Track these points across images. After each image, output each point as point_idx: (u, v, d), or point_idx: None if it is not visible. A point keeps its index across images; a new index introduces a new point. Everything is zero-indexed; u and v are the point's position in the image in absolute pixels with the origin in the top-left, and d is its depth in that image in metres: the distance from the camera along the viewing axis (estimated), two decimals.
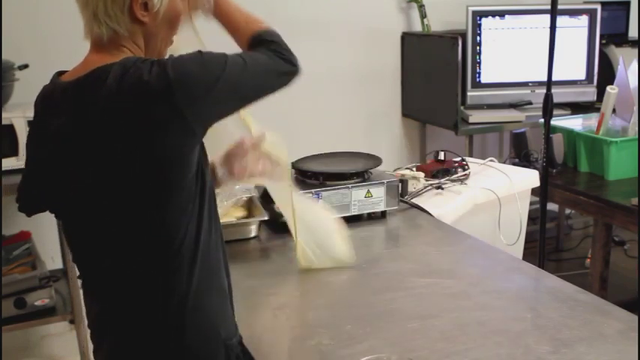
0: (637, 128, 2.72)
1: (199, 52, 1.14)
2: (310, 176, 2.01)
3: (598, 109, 2.88)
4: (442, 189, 2.22)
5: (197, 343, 1.19)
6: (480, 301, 1.52)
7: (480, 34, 3.37)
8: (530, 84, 3.43)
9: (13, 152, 2.37)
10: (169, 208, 1.12)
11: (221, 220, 1.86)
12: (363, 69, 3.54)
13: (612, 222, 2.61)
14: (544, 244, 2.51)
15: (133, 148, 1.07)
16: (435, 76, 3.33)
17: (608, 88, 2.75)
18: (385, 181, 2.02)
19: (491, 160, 2.46)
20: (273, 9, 2.92)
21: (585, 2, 3.65)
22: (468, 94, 3.39)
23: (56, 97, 1.15)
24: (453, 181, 2.25)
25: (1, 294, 2.36)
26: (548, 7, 2.31)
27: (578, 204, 2.70)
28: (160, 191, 1.11)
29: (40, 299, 2.47)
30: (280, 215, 1.92)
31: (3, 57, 2.49)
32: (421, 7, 3.50)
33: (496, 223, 2.21)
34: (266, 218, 1.93)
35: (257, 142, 1.46)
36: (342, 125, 3.53)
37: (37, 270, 2.51)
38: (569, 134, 2.88)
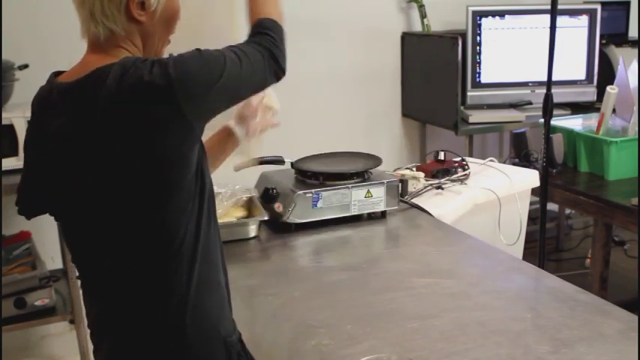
0: (637, 128, 2.72)
1: (198, 50, 1.14)
2: (310, 176, 2.01)
3: (598, 109, 2.88)
4: (442, 189, 2.22)
5: (197, 342, 1.19)
6: (479, 301, 1.52)
7: (479, 34, 3.37)
8: (530, 84, 3.43)
9: (13, 152, 2.37)
10: (169, 208, 1.12)
11: (221, 220, 1.88)
12: (363, 69, 3.54)
13: (612, 222, 2.61)
14: (544, 244, 2.51)
15: (133, 148, 1.07)
16: (435, 76, 3.33)
17: (608, 88, 2.75)
18: (385, 181, 2.02)
19: (491, 160, 2.46)
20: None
21: (585, 2, 3.65)
22: (468, 94, 3.39)
23: (54, 98, 1.15)
24: (453, 181, 2.25)
25: (1, 294, 2.36)
26: (548, 7, 2.31)
27: (578, 204, 2.70)
28: (160, 191, 1.11)
29: (40, 299, 2.47)
30: (280, 215, 1.92)
31: (3, 57, 2.49)
32: (421, 7, 3.50)
33: (496, 223, 2.21)
34: (266, 218, 1.93)
35: (262, 99, 1.57)
36: (342, 125, 3.53)
37: (37, 270, 2.51)
38: (569, 134, 2.88)
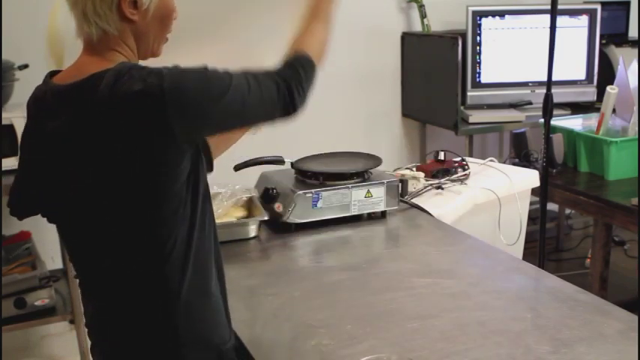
0: (637, 128, 2.72)
1: (205, 68, 1.12)
2: (310, 176, 2.01)
3: (598, 109, 2.88)
4: (442, 189, 2.22)
5: (190, 349, 1.19)
6: (479, 301, 1.52)
7: (479, 34, 3.37)
8: (530, 84, 3.43)
9: (13, 152, 2.37)
10: (161, 213, 1.12)
11: (221, 220, 1.88)
12: (363, 69, 3.54)
13: (612, 222, 2.61)
14: (544, 244, 2.51)
15: (133, 148, 1.06)
16: (435, 76, 3.33)
17: (608, 88, 2.75)
18: (385, 181, 2.02)
19: (491, 160, 2.46)
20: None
21: (585, 2, 3.65)
22: (468, 94, 3.39)
23: (49, 99, 1.15)
24: (453, 181, 2.25)
25: (1, 294, 2.36)
26: (548, 7, 2.31)
27: (578, 204, 2.70)
28: (153, 193, 1.11)
29: (40, 299, 2.47)
30: (280, 215, 1.92)
31: (3, 57, 2.49)
32: (421, 7, 3.50)
33: (496, 223, 2.21)
34: (266, 218, 1.93)
35: None
36: (342, 125, 3.53)
37: (37, 270, 2.51)
38: (569, 134, 2.88)
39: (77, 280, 1.27)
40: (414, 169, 2.32)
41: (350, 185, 1.98)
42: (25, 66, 2.55)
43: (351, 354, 1.29)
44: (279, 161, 2.06)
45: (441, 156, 2.35)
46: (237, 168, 1.94)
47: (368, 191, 2.00)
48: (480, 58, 3.39)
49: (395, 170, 2.24)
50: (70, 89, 1.11)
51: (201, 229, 1.19)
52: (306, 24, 1.36)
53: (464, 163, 2.33)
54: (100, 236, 1.16)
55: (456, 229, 1.99)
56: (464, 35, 3.29)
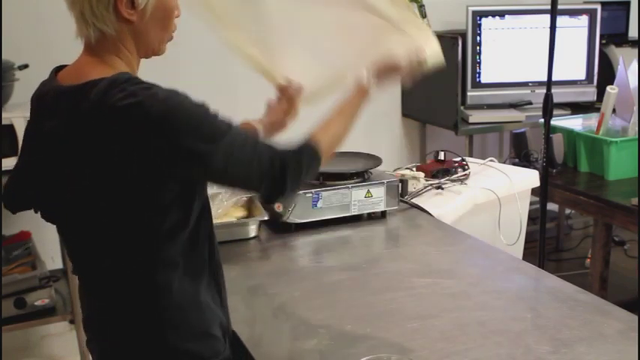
0: (637, 128, 2.72)
1: (203, 106, 1.09)
2: None
3: (598, 109, 2.88)
4: (442, 189, 2.22)
5: (179, 356, 1.19)
6: (479, 301, 1.52)
7: (479, 34, 3.37)
8: (530, 84, 3.43)
9: (13, 152, 2.36)
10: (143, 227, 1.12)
11: (221, 220, 1.88)
12: None
13: (612, 222, 2.61)
14: (544, 244, 2.51)
15: (130, 149, 1.06)
16: (435, 76, 3.30)
17: (608, 88, 2.75)
18: (385, 181, 2.02)
19: (491, 160, 2.46)
20: None
21: (585, 2, 3.65)
22: (468, 94, 3.38)
23: (48, 99, 1.15)
24: (453, 181, 2.25)
25: (1, 294, 2.36)
26: (548, 7, 2.31)
27: (578, 204, 2.70)
28: (150, 196, 1.10)
29: (40, 299, 2.47)
30: (280, 215, 1.92)
31: (3, 57, 2.49)
32: (421, 7, 3.49)
33: (496, 223, 2.21)
34: (266, 218, 1.93)
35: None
36: None
37: (37, 270, 2.51)
38: (569, 134, 2.88)
39: (77, 278, 1.27)
40: (414, 169, 2.32)
41: (350, 185, 1.98)
42: (25, 66, 2.55)
43: (351, 354, 1.29)
44: None
45: (441, 156, 2.35)
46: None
47: (368, 191, 2.00)
48: (479, 58, 3.39)
49: (395, 170, 2.24)
50: (66, 92, 1.11)
51: (192, 246, 1.18)
52: (334, 114, 1.32)
53: (464, 163, 2.33)
54: (97, 237, 1.16)
55: (456, 229, 1.99)
56: (464, 35, 3.29)
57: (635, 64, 2.85)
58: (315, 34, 1.49)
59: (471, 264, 1.78)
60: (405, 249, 1.91)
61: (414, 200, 2.16)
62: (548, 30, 2.33)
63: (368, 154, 2.16)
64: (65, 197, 1.15)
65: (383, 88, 1.39)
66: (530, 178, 2.40)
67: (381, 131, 3.66)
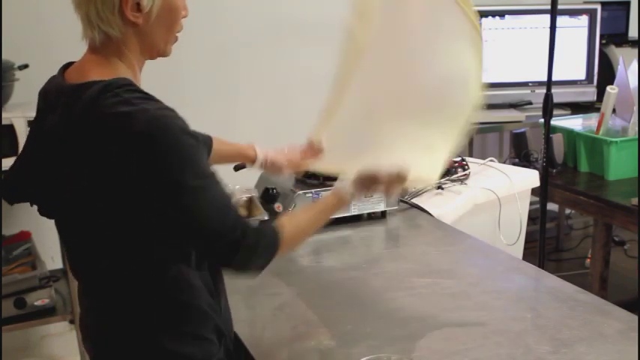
0: (637, 128, 2.72)
1: (197, 147, 1.07)
2: (310, 176, 2.01)
3: (598, 109, 2.88)
4: (442, 189, 2.22)
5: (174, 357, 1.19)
6: (479, 301, 1.52)
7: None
8: (530, 84, 3.43)
9: (13, 152, 2.36)
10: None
11: None
12: None
13: (612, 222, 2.62)
14: (544, 244, 2.51)
15: (128, 150, 1.06)
16: None
17: (608, 88, 2.75)
18: None
19: (491, 160, 2.46)
20: (280, 10, 2.93)
21: (585, 2, 3.65)
22: None
23: (52, 96, 1.15)
24: (453, 181, 2.25)
25: (1, 294, 2.36)
26: (548, 7, 2.32)
27: (578, 204, 2.70)
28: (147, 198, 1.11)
29: (40, 299, 2.47)
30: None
31: (3, 57, 2.49)
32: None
33: (496, 223, 2.21)
34: (266, 218, 1.93)
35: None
36: None
37: (37, 270, 2.51)
38: (569, 134, 2.88)
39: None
40: None
41: None
42: (25, 66, 2.55)
43: (351, 354, 1.29)
44: None
45: None
46: (237, 168, 1.94)
47: None
48: None
49: None
50: (66, 90, 1.11)
51: (186, 264, 1.17)
52: (309, 212, 1.32)
53: (464, 163, 2.33)
54: (95, 237, 1.16)
55: (456, 229, 1.99)
56: None
57: (635, 64, 2.85)
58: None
59: (471, 264, 1.78)
60: (405, 249, 1.91)
61: (414, 200, 2.16)
62: (548, 30, 2.33)
63: None
64: (64, 196, 1.15)
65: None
66: (530, 178, 2.40)
67: None
